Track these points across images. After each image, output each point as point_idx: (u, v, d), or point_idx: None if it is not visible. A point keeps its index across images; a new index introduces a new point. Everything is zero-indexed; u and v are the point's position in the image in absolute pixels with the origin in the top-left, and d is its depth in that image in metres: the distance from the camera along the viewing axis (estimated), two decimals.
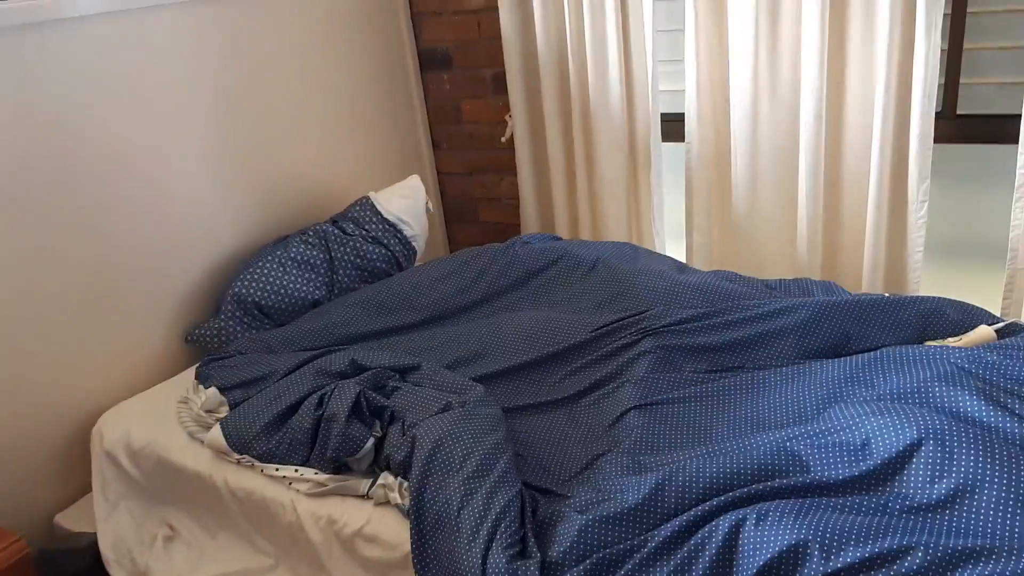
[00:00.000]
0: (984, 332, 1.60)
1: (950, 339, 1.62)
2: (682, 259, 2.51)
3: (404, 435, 1.54)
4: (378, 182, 2.77)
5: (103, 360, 2.01)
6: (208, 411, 1.84)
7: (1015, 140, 1.99)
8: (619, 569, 1.20)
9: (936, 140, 2.07)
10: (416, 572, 1.36)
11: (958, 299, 1.76)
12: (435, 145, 3.03)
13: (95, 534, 1.86)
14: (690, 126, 2.39)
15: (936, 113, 2.05)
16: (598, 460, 1.52)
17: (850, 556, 1.07)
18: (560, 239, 2.42)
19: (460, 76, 2.86)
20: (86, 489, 1.99)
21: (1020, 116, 1.94)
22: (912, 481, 1.18)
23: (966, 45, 2.12)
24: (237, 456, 1.69)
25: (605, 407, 1.67)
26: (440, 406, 1.59)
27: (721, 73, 2.33)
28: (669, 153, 2.59)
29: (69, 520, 1.93)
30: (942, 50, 2.04)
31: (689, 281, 1.94)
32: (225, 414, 1.81)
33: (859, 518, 1.13)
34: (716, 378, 1.66)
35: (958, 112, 2.19)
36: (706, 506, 1.23)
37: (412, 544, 1.37)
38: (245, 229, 2.33)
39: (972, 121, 2.17)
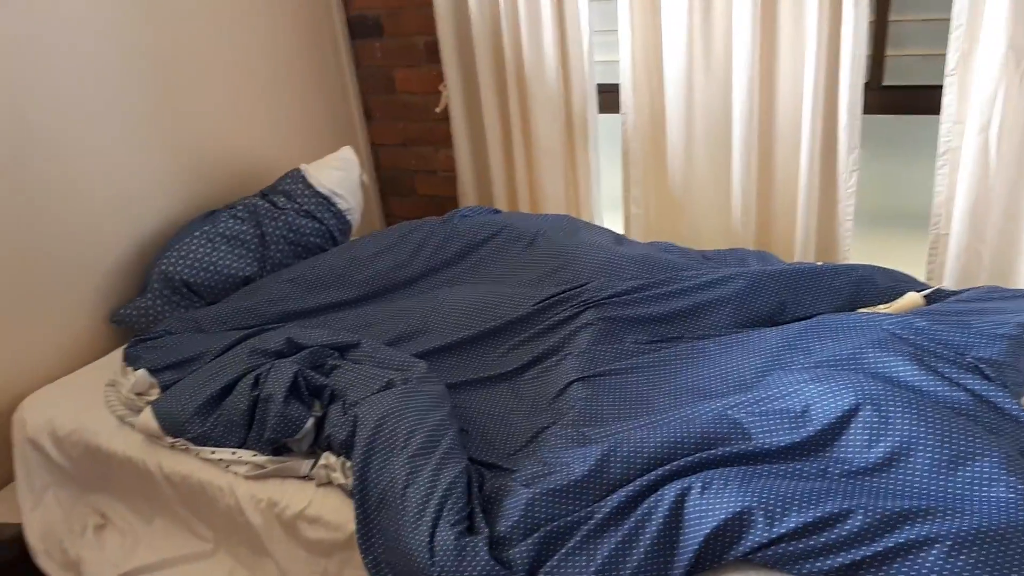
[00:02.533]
0: (912, 299, 1.65)
1: (880, 306, 1.67)
2: (620, 231, 2.52)
3: (345, 414, 1.51)
4: (309, 154, 2.69)
5: (23, 343, 1.90)
6: (138, 394, 1.77)
7: (938, 110, 2.05)
8: (567, 541, 1.21)
9: (864, 111, 2.12)
10: (361, 552, 1.34)
11: (887, 266, 1.81)
12: (368, 116, 2.96)
13: (19, 525, 1.78)
14: (625, 96, 2.39)
15: (864, 84, 2.09)
16: (543, 433, 1.52)
17: (793, 521, 1.10)
18: (499, 212, 2.40)
19: (392, 44, 2.79)
20: (8, 478, 1.90)
21: (942, 87, 2.00)
22: (850, 445, 1.22)
23: (891, 17, 2.17)
24: (170, 440, 1.64)
25: (548, 380, 1.67)
26: (382, 383, 1.56)
27: (655, 43, 2.33)
28: (605, 124, 2.59)
29: None
30: (869, 22, 2.09)
31: (628, 253, 1.95)
32: (156, 396, 1.75)
33: (801, 484, 1.16)
34: (657, 348, 1.68)
35: (884, 83, 2.24)
36: (651, 476, 1.25)
37: (357, 524, 1.35)
38: (171, 204, 2.24)
39: (897, 92, 2.23)
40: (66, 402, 1.84)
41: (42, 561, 1.75)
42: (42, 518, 1.79)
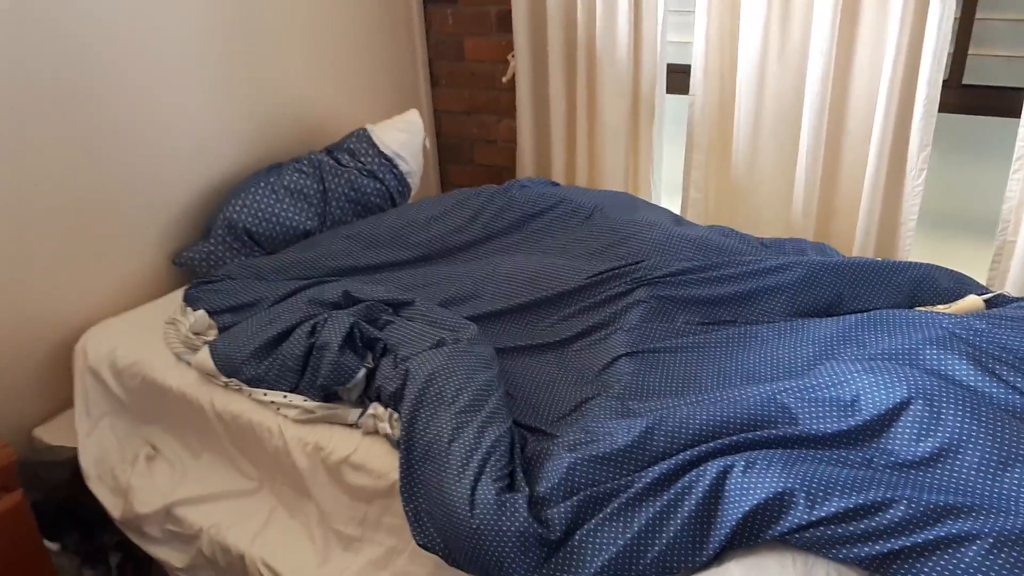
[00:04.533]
0: (973, 301, 1.62)
1: (940, 306, 1.65)
2: (677, 213, 2.50)
3: (396, 367, 1.55)
4: (374, 115, 2.72)
5: (90, 277, 1.98)
6: (196, 333, 1.83)
7: (1018, 113, 1.99)
8: (605, 507, 1.22)
9: (940, 109, 2.07)
10: (403, 500, 1.37)
11: (948, 268, 1.78)
12: (434, 82, 2.98)
13: (75, 449, 1.85)
14: (696, 79, 2.37)
15: (943, 81, 2.04)
16: (587, 403, 1.53)
17: (834, 506, 1.10)
18: (558, 185, 2.40)
19: (464, 12, 2.80)
20: (66, 405, 1.98)
21: (1023, 89, 1.94)
22: (899, 438, 1.21)
23: (978, 15, 2.10)
24: (225, 379, 1.69)
25: (596, 353, 1.68)
26: (433, 341, 1.59)
27: (731, 27, 2.29)
28: (672, 105, 2.57)
29: (48, 434, 1.92)
30: (954, 18, 2.03)
31: (686, 234, 1.94)
32: (213, 337, 1.80)
33: (845, 470, 1.16)
34: (708, 330, 1.68)
35: (964, 82, 2.18)
36: (694, 451, 1.25)
37: (400, 473, 1.38)
38: (238, 154, 2.29)
39: (977, 91, 2.17)
40: (127, 336, 1.90)
41: (94, 485, 1.82)
42: (97, 444, 1.86)
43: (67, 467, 1.87)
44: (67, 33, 1.81)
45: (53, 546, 1.80)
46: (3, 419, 1.87)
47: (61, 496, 1.87)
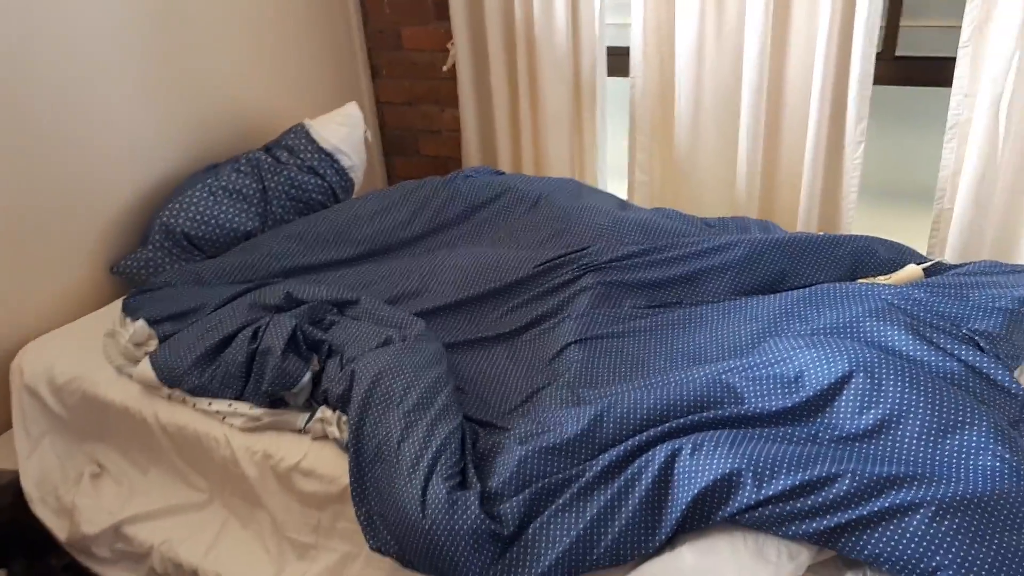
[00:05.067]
0: (912, 271, 1.64)
1: (880, 277, 1.67)
2: (624, 196, 2.51)
3: (343, 369, 1.52)
4: (314, 110, 2.66)
5: (23, 291, 1.91)
6: (136, 344, 1.77)
7: (950, 83, 2.02)
8: (558, 498, 1.22)
9: (875, 82, 2.09)
10: (355, 504, 1.35)
11: (888, 238, 1.80)
12: (374, 73, 2.93)
13: (16, 471, 1.79)
14: (635, 60, 2.36)
15: (876, 54, 2.06)
16: (538, 393, 1.52)
17: (781, 484, 1.11)
18: (503, 173, 2.39)
19: (400, 0, 2.75)
20: (4, 426, 1.91)
21: (955, 59, 1.97)
22: (842, 411, 1.22)
23: None
24: (168, 390, 1.65)
25: (545, 342, 1.67)
26: (380, 340, 1.57)
27: (668, 7, 2.29)
28: (613, 88, 2.56)
29: None
30: None
31: (631, 218, 1.94)
32: (154, 347, 1.75)
33: (790, 447, 1.16)
34: (655, 313, 1.68)
35: (897, 54, 2.21)
36: (643, 436, 1.25)
37: (351, 477, 1.36)
38: (174, 156, 2.23)
39: (910, 63, 2.20)
40: (65, 351, 1.84)
41: (37, 508, 1.77)
42: (38, 465, 1.80)
43: (9, 490, 1.81)
44: None
45: None
46: None
47: (4, 520, 1.81)
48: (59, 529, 1.73)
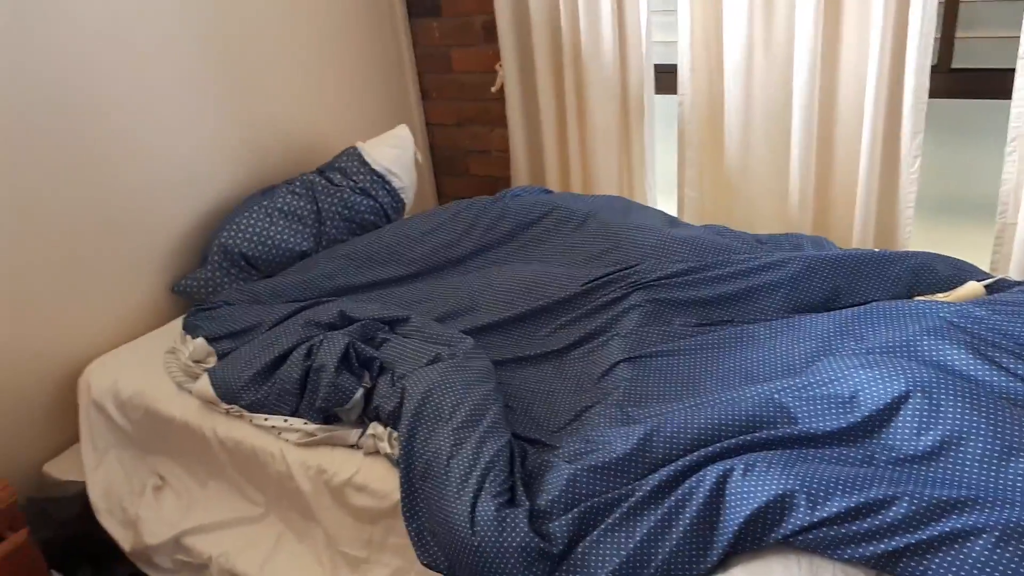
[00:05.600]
0: (973, 288, 1.60)
1: (939, 294, 1.63)
2: (673, 213, 2.50)
3: (394, 386, 1.54)
4: (366, 132, 2.72)
5: (90, 310, 1.99)
6: (196, 361, 1.83)
7: (1009, 95, 1.97)
8: (607, 517, 1.22)
9: (930, 95, 2.05)
10: (405, 520, 1.37)
11: (947, 255, 1.76)
12: (424, 95, 2.98)
13: (84, 483, 1.86)
14: (683, 78, 2.36)
15: (931, 67, 2.03)
16: (587, 412, 1.52)
17: (836, 506, 1.09)
18: (551, 192, 2.40)
19: (449, 24, 2.80)
20: (74, 439, 1.99)
21: (1014, 70, 1.93)
22: (899, 433, 1.19)
23: None
24: (226, 406, 1.69)
25: (594, 360, 1.67)
26: (430, 357, 1.59)
27: (715, 24, 2.29)
28: (661, 105, 2.56)
29: (58, 469, 1.93)
30: (939, 3, 2.01)
31: (680, 235, 1.93)
32: (213, 364, 1.81)
33: (845, 469, 1.14)
34: (705, 332, 1.67)
35: (953, 66, 2.17)
36: (694, 456, 1.24)
37: (402, 493, 1.38)
38: (231, 178, 2.30)
39: (967, 75, 2.15)
40: (129, 367, 1.91)
41: (103, 518, 1.82)
42: (104, 477, 1.86)
43: (77, 501, 1.87)
44: (58, 66, 1.82)
45: None
46: (13, 456, 1.88)
47: (73, 531, 1.88)
48: (124, 540, 1.79)
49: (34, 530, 1.59)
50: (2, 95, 1.74)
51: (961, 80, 2.15)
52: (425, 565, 1.33)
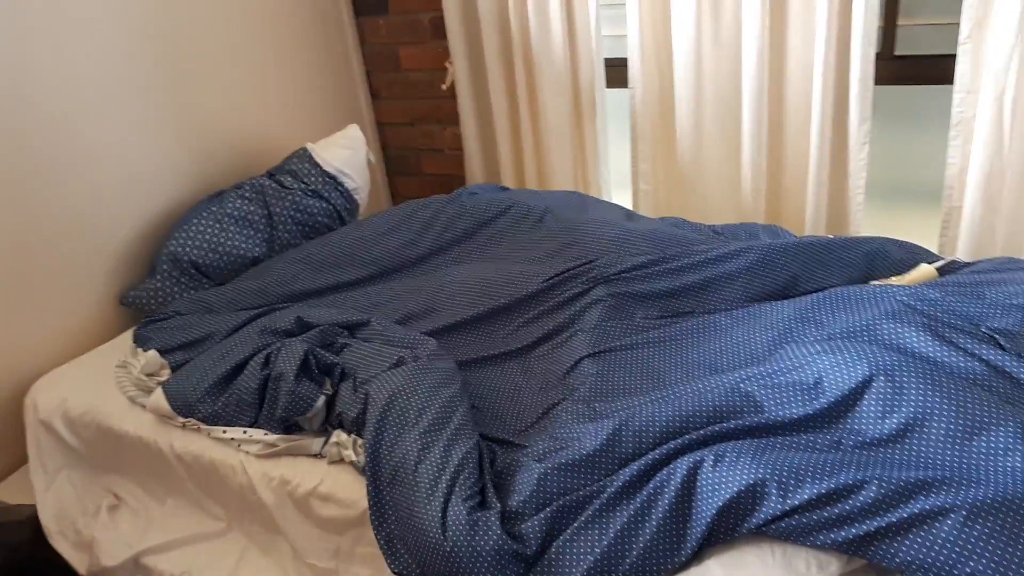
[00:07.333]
0: (925, 270, 1.64)
1: (893, 278, 1.66)
2: (629, 207, 2.50)
3: (356, 392, 1.51)
4: (316, 133, 2.67)
5: (34, 325, 1.91)
6: (149, 375, 1.77)
7: (951, 80, 2.02)
8: (579, 515, 1.21)
9: (875, 82, 2.09)
10: (374, 528, 1.34)
11: (899, 239, 1.80)
12: (374, 94, 2.94)
13: (35, 506, 1.79)
14: (633, 71, 2.36)
15: (875, 54, 2.06)
16: (553, 409, 1.51)
17: (807, 493, 1.09)
18: (507, 189, 2.39)
19: (397, 21, 2.76)
20: (22, 460, 1.91)
21: (955, 56, 1.97)
22: (864, 417, 1.21)
23: None
24: (182, 420, 1.64)
25: (558, 357, 1.66)
26: (392, 361, 1.56)
27: (664, 16, 2.30)
28: (613, 99, 2.57)
29: (5, 492, 1.85)
30: None
31: (638, 228, 1.94)
32: (167, 377, 1.75)
33: (814, 455, 1.15)
34: (668, 323, 1.67)
35: (896, 53, 2.21)
36: (663, 450, 1.24)
37: (369, 501, 1.35)
38: (178, 185, 2.23)
39: (910, 62, 2.20)
40: (78, 384, 1.84)
41: (56, 542, 1.76)
42: (56, 499, 1.80)
43: (28, 525, 1.80)
44: None
45: None
46: None
47: (26, 555, 1.80)
48: (79, 563, 1.73)
49: None
50: None
51: (905, 66, 2.20)
52: (396, 573, 1.30)
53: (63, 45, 1.89)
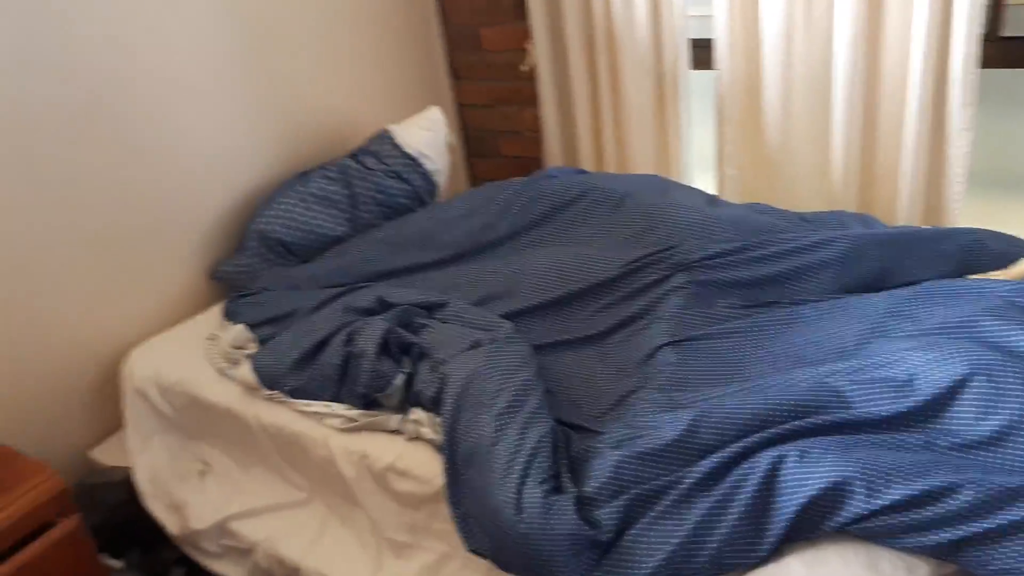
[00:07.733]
0: None
1: (993, 272, 1.58)
2: (712, 192, 2.45)
3: (434, 371, 1.54)
4: (397, 114, 2.69)
5: (131, 298, 2.00)
6: (237, 347, 1.84)
7: None
8: (656, 505, 1.20)
9: (980, 65, 1.98)
10: (449, 505, 1.36)
11: (1000, 231, 1.70)
12: (454, 75, 2.95)
13: (130, 468, 1.88)
14: (720, 52, 2.30)
15: (980, 35, 1.95)
16: (630, 397, 1.50)
17: (896, 494, 1.06)
18: (585, 172, 2.36)
19: (478, 1, 2.76)
20: (119, 425, 2.00)
21: None
22: (960, 417, 1.16)
23: None
24: (267, 392, 1.69)
25: (636, 344, 1.65)
26: (469, 343, 1.57)
27: None
28: (698, 81, 2.51)
29: (104, 455, 1.95)
30: None
31: (721, 214, 1.89)
32: (254, 350, 1.81)
33: (904, 455, 1.11)
34: (751, 314, 1.63)
35: (1002, 34, 2.09)
36: (744, 442, 1.22)
37: (445, 479, 1.37)
38: (265, 164, 2.29)
39: (1018, 43, 2.07)
40: (170, 354, 1.92)
41: (150, 503, 1.85)
42: (150, 462, 1.88)
43: (124, 487, 1.89)
44: (91, 59, 1.83)
45: (117, 564, 1.83)
46: (58, 443, 1.91)
47: (122, 515, 1.90)
48: (170, 524, 1.81)
49: (85, 515, 1.61)
50: (43, 90, 1.75)
51: (1012, 48, 2.07)
52: (470, 551, 1.32)
53: (160, 32, 1.97)
